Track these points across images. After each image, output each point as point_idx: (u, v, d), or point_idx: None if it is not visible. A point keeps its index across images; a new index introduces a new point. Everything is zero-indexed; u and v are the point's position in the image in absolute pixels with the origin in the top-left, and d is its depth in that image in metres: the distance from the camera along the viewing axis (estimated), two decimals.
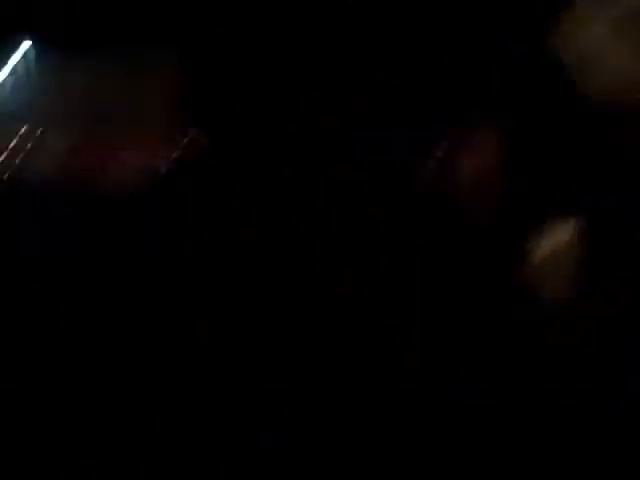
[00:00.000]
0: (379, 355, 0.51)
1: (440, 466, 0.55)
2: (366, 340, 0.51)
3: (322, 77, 0.50)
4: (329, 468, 0.54)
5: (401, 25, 0.51)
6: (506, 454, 0.57)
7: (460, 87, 0.53)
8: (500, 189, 0.56)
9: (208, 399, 0.58)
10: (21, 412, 0.62)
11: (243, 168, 0.71)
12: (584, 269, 1.35)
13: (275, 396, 0.56)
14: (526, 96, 1.53)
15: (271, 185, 0.53)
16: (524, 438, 0.58)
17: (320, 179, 0.50)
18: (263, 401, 0.56)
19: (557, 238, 1.45)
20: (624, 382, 0.61)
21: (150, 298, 1.73)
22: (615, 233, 1.38)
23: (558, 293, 1.32)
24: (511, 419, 0.58)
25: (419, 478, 0.55)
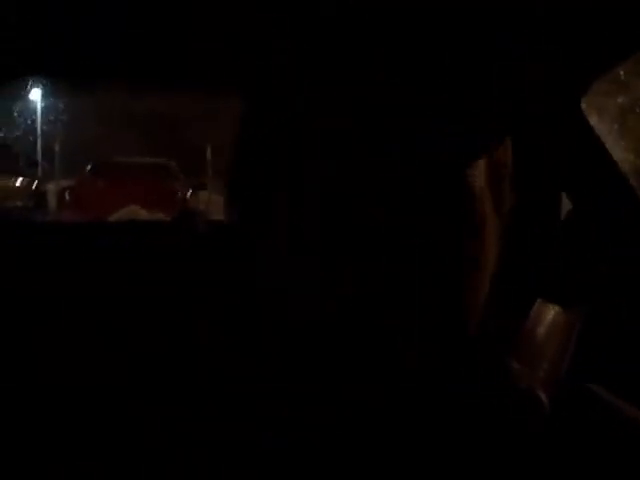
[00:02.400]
0: (379, 355, 0.51)
1: (439, 466, 0.55)
2: (366, 340, 0.51)
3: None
4: (328, 468, 0.53)
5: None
6: (504, 454, 0.57)
7: None
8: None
9: (208, 399, 0.57)
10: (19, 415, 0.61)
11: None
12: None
13: (275, 396, 0.55)
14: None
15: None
16: (522, 440, 0.58)
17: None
18: (263, 401, 0.55)
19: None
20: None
21: (149, 298, 1.74)
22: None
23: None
24: (509, 421, 0.58)
25: (418, 478, 0.54)
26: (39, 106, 11.19)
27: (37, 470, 0.56)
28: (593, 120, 1.46)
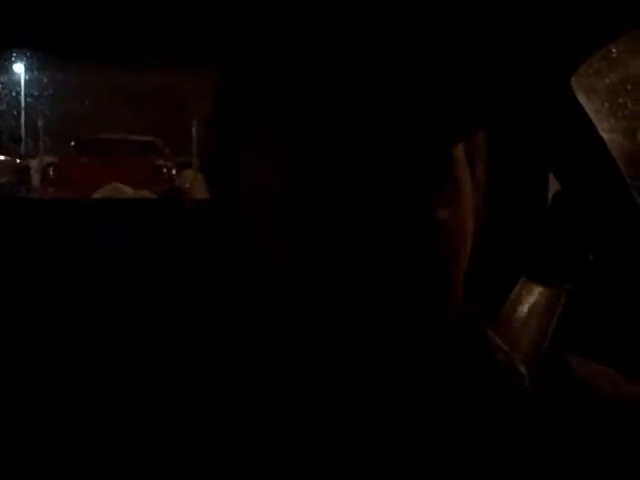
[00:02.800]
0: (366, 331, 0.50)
1: (420, 442, 0.54)
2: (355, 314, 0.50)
3: None
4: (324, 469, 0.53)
5: None
6: (485, 428, 0.56)
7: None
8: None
9: (201, 384, 0.56)
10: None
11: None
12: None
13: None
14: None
15: None
16: (503, 413, 0.58)
17: None
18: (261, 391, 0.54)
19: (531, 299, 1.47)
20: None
21: (134, 275, 1.75)
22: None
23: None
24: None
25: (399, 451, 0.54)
26: (22, 81, 11.08)
27: (37, 470, 0.55)
28: (582, 99, 1.45)
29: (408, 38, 0.49)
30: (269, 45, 0.51)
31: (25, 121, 11.55)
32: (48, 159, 10.45)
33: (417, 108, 0.48)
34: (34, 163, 10.64)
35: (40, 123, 11.26)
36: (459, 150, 0.53)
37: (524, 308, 1.46)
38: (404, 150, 0.48)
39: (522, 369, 0.60)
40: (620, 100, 1.54)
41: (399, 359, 0.50)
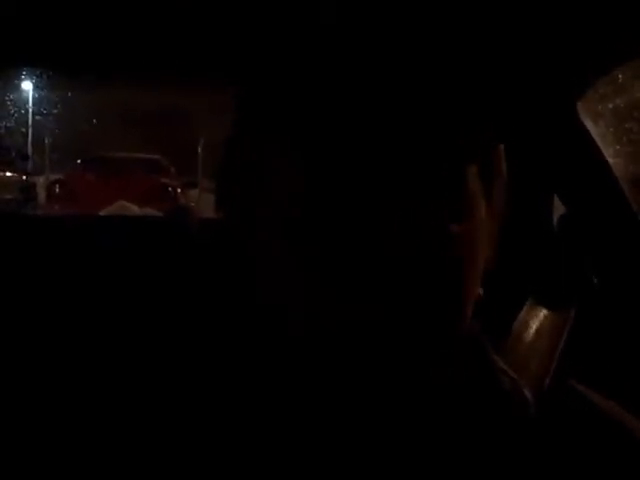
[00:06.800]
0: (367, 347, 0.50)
1: (420, 463, 0.54)
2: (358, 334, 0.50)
3: None
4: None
5: None
6: (488, 451, 0.56)
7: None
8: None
9: (199, 402, 0.56)
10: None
11: None
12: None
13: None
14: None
15: None
16: (507, 437, 0.57)
17: None
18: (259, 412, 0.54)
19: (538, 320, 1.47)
20: None
21: (139, 293, 1.75)
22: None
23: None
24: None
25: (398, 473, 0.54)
26: (30, 98, 11.15)
27: (36, 470, 0.55)
28: (588, 123, 1.45)
29: (413, 56, 0.49)
30: (271, 58, 0.51)
31: (32, 138, 11.61)
32: (54, 176, 10.50)
33: (417, 121, 0.49)
34: (40, 180, 10.68)
35: (47, 140, 11.31)
36: (472, 171, 0.53)
37: (531, 331, 1.46)
38: (406, 157, 0.49)
39: (528, 394, 0.60)
40: (626, 125, 1.55)
41: (397, 361, 0.50)
